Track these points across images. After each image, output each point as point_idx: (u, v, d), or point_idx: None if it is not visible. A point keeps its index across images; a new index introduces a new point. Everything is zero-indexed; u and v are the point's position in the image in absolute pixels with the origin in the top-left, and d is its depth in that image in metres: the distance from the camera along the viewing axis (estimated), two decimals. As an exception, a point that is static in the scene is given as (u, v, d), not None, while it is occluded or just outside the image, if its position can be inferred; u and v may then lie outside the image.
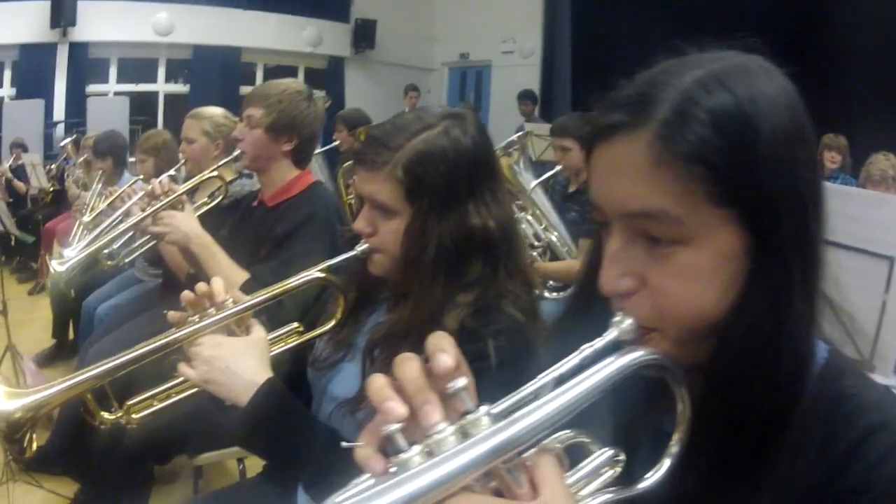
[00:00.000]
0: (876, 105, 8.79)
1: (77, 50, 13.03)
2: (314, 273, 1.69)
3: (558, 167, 4.06)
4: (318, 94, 2.71)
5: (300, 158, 2.74)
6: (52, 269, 2.61)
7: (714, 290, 0.83)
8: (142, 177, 4.21)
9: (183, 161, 3.53)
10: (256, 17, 14.18)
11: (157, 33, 13.50)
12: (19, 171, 8.55)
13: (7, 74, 12.97)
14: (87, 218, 4.01)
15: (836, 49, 9.28)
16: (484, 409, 0.71)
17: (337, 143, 6.04)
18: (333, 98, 15.03)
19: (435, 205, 1.52)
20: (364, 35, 15.26)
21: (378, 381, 0.72)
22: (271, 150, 2.64)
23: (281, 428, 1.53)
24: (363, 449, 0.71)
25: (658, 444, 0.86)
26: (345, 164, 5.07)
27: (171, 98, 14.27)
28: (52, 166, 8.35)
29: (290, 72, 15.22)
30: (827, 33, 9.54)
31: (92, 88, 13.45)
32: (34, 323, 5.93)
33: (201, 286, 1.65)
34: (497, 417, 0.71)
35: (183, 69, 14.23)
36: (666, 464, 0.85)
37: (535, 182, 3.76)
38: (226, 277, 1.98)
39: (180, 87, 14.27)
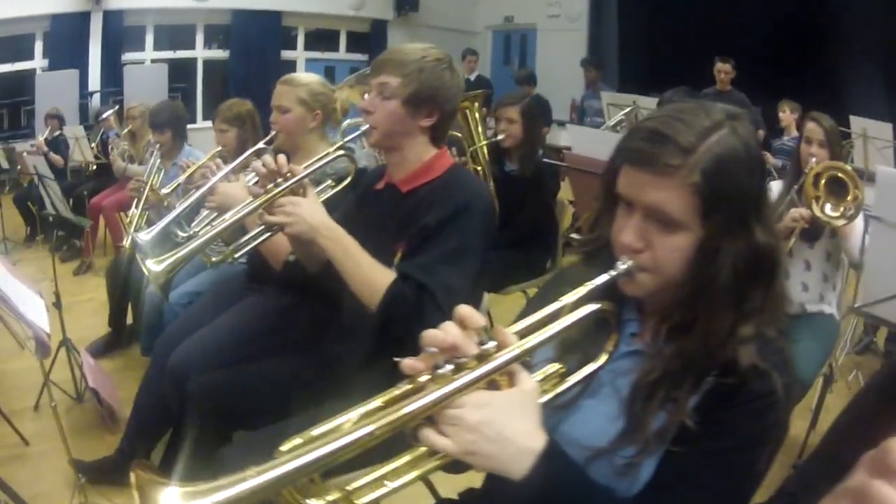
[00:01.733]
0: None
1: (112, 18, 12.65)
2: (591, 306, 1.40)
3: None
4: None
5: (438, 136, 2.40)
6: (148, 270, 2.22)
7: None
8: (221, 148, 4.00)
9: (273, 133, 3.15)
10: (296, -21, 13.79)
11: None
12: (55, 144, 8.08)
13: (39, 46, 12.63)
14: (166, 190, 4.00)
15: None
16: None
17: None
18: None
19: (730, 220, 1.33)
20: (406, -3, 14.87)
21: None
22: (408, 125, 2.29)
23: (567, 498, 1.25)
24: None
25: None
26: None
27: (209, 64, 13.94)
28: (94, 140, 7.85)
29: (333, 36, 15.02)
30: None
31: (128, 57, 13.09)
32: (83, 306, 5.50)
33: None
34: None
35: (221, 34, 13.84)
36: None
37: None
38: (365, 277, 2.09)
39: (219, 53, 13.89)
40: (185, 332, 3.12)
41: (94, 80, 12.68)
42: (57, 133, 8.19)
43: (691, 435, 1.28)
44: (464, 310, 1.23)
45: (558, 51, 14.16)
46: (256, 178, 2.62)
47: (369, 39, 15.10)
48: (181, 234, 2.96)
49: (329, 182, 2.50)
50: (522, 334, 1.23)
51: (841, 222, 3.29)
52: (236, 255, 2.39)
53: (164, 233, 2.70)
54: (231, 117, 4.11)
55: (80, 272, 6.70)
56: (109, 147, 6.84)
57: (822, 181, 3.48)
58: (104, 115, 7.70)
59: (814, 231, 3.47)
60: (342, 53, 15.22)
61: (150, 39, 13.41)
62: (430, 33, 15.17)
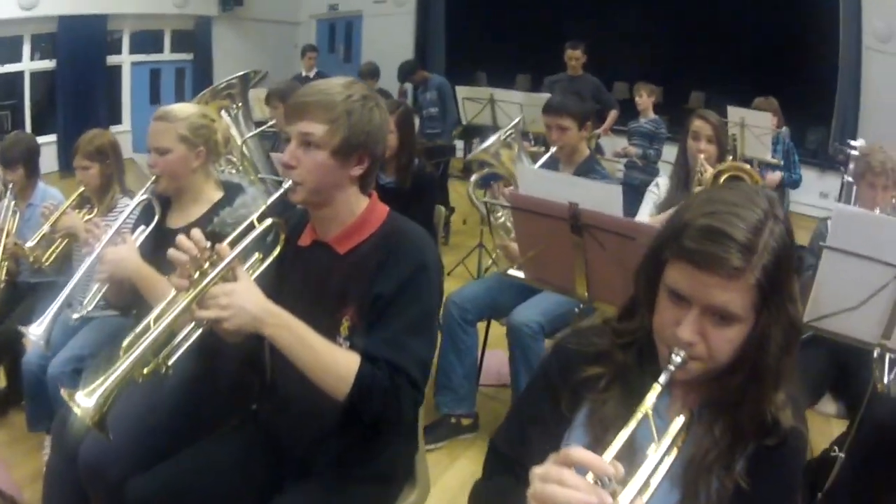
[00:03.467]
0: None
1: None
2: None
3: (554, 148, 4.02)
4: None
5: (368, 183, 2.17)
6: (79, 408, 1.68)
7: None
8: (83, 189, 3.72)
9: (153, 178, 2.80)
10: (119, -21, 13.27)
11: (21, 7, 12.43)
12: None
13: None
14: (30, 243, 3.62)
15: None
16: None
17: (273, 121, 5.34)
18: (202, 59, 14.82)
19: (778, 306, 1.40)
20: (232, -9, 14.55)
21: None
22: (338, 176, 2.05)
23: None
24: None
25: None
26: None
27: (37, 77, 13.27)
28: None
29: (157, 36, 14.58)
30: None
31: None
32: None
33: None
34: None
35: (47, 43, 13.25)
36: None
37: (534, 165, 3.79)
38: (326, 365, 1.90)
39: (47, 64, 13.29)
40: None
41: None
42: None
43: (746, 497, 1.42)
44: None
45: (386, 37, 14.27)
46: (144, 235, 2.69)
47: (194, 37, 14.77)
48: (74, 315, 2.84)
49: (257, 256, 2.05)
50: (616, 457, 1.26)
51: None
52: (168, 364, 1.88)
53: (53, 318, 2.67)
54: (92, 151, 3.67)
55: None
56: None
57: (722, 179, 3.51)
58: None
59: None
60: (167, 54, 14.79)
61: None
62: (255, 26, 15.23)
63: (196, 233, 1.87)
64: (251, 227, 1.96)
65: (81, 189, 3.65)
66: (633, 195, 4.55)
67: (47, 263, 3.71)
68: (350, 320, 2.01)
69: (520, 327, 3.61)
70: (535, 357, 3.52)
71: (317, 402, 1.95)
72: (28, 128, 12.81)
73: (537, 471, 1.21)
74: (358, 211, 2.12)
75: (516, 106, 6.66)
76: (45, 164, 4.31)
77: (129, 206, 2.90)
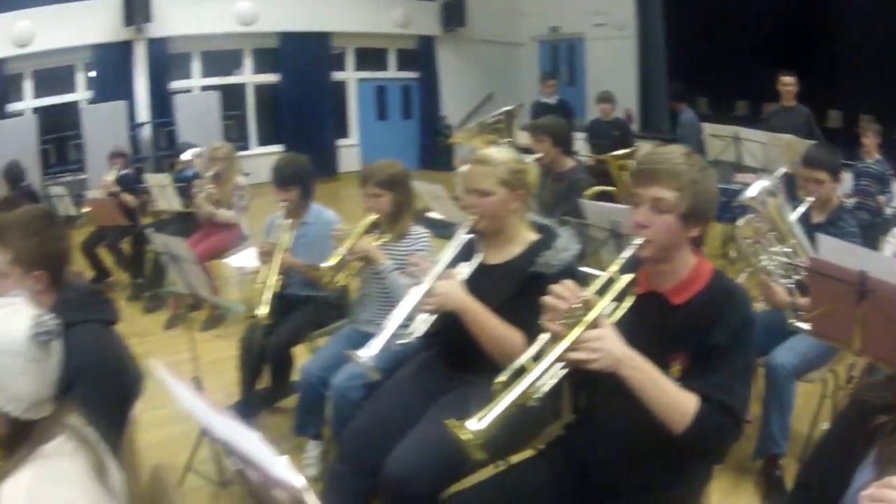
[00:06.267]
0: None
1: (156, 46, 12.46)
2: None
3: (810, 199, 4.08)
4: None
5: (697, 242, 2.36)
6: (470, 434, 1.98)
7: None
8: (375, 216, 3.74)
9: (475, 219, 2.90)
10: (343, 0, 13.65)
11: (241, 23, 12.92)
12: (123, 182, 7.69)
13: (80, 77, 12.42)
14: (329, 263, 3.65)
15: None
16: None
17: (540, 155, 5.09)
18: (428, 78, 14.96)
19: None
20: (454, 13, 14.74)
21: None
22: (680, 237, 2.25)
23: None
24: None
25: None
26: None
27: (261, 89, 13.76)
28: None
29: (381, 54, 14.90)
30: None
31: (175, 85, 12.85)
32: (182, 366, 5.06)
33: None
34: None
35: (270, 58, 13.66)
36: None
37: (794, 215, 3.86)
38: (670, 402, 2.08)
39: (269, 77, 13.70)
40: (385, 430, 2.86)
41: (142, 111, 12.45)
42: (125, 171, 7.81)
43: None
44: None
45: (609, 61, 13.94)
46: (468, 270, 2.84)
47: (418, 56, 15.03)
48: (398, 341, 2.84)
49: (614, 304, 2.25)
50: None
51: None
52: (535, 396, 2.06)
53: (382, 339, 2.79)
54: (385, 180, 3.77)
55: (172, 326, 6.24)
56: (193, 190, 6.41)
57: None
58: (187, 156, 7.31)
59: None
60: (392, 72, 15.13)
61: (197, 66, 13.22)
62: (476, 47, 15.21)
63: (570, 283, 2.13)
64: (611, 278, 2.22)
65: (375, 217, 3.75)
66: (860, 235, 4.32)
67: (338, 283, 3.88)
68: (681, 364, 2.19)
69: (777, 369, 3.66)
70: (787, 396, 3.66)
71: (633, 433, 2.19)
72: (253, 139, 13.55)
73: (865, 493, 1.43)
74: (690, 266, 2.30)
75: (759, 145, 6.91)
76: (268, 174, 4.42)
77: (454, 243, 2.95)
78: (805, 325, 3.41)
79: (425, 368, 3.12)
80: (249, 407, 4.32)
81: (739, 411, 2.14)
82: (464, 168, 5.07)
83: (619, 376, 2.06)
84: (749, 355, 2.25)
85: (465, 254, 2.94)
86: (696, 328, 2.19)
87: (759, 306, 3.72)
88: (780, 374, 3.64)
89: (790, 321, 3.50)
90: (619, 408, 2.15)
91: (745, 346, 2.20)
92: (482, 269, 2.88)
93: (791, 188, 4.78)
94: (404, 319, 2.80)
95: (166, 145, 12.32)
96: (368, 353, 2.78)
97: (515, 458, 2.71)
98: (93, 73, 12.29)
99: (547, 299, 2.10)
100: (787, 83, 7.80)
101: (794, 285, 3.57)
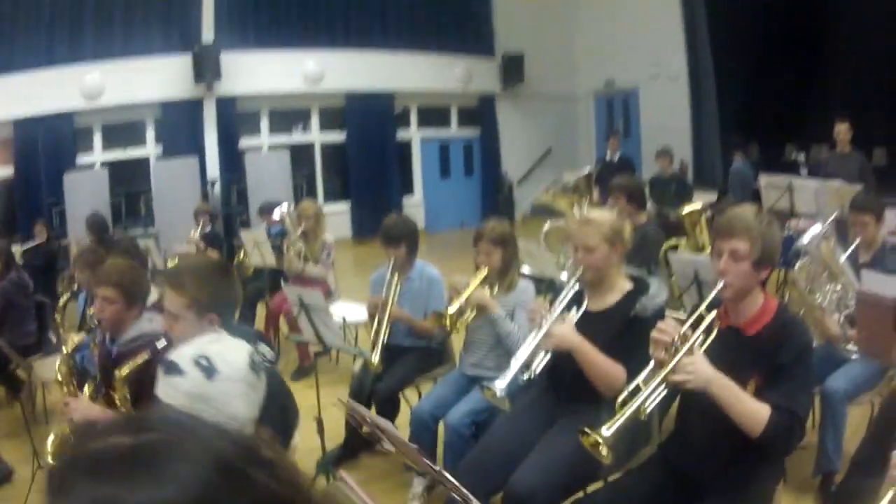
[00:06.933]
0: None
1: (224, 104, 12.83)
2: None
3: (858, 240, 4.53)
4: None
5: (765, 283, 2.88)
6: (604, 439, 2.54)
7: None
8: (486, 270, 4.03)
9: (580, 270, 3.31)
10: (406, 59, 13.96)
11: (308, 82, 13.28)
12: (208, 238, 7.96)
13: (150, 132, 12.80)
14: (451, 310, 3.93)
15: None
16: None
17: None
18: (488, 135, 15.20)
19: None
20: (513, 69, 14.99)
21: None
22: (752, 280, 2.72)
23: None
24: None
25: None
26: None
27: (327, 148, 14.08)
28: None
29: (443, 112, 15.14)
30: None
31: (244, 143, 13.23)
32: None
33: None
34: None
35: (336, 117, 14.01)
36: None
37: (843, 256, 4.28)
38: (747, 411, 2.51)
39: (336, 136, 14.05)
40: (503, 458, 3.22)
41: (213, 167, 12.77)
42: (208, 228, 8.09)
43: None
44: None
45: (662, 112, 14.10)
46: (577, 315, 3.20)
47: (479, 113, 15.23)
48: (523, 377, 3.22)
49: (699, 338, 2.67)
50: None
51: None
52: (644, 412, 2.60)
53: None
54: (496, 238, 4.08)
55: (300, 378, 6.12)
56: (284, 247, 6.61)
57: None
58: (278, 214, 7.53)
59: None
60: (454, 129, 15.37)
61: (265, 124, 13.57)
62: (535, 104, 15.41)
63: (671, 321, 2.65)
64: (701, 315, 2.68)
65: (486, 270, 4.03)
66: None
67: (457, 329, 4.14)
68: (756, 382, 2.62)
69: (832, 393, 3.98)
70: (840, 418, 3.99)
71: (718, 442, 2.65)
72: (320, 196, 13.66)
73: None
74: (760, 303, 2.77)
75: (811, 192, 7.15)
76: (339, 229, 4.83)
77: (566, 292, 3.29)
78: (854, 350, 3.92)
79: (534, 403, 3.46)
80: (354, 448, 4.62)
81: (803, 415, 2.60)
82: (547, 226, 5.73)
83: (708, 394, 2.50)
84: (809, 371, 2.71)
85: (573, 302, 3.31)
86: (766, 353, 2.64)
87: (814, 341, 4.00)
88: (834, 398, 3.99)
89: (842, 348, 3.96)
90: (706, 424, 2.64)
91: (805, 364, 2.65)
92: (587, 315, 3.26)
93: (841, 231, 5.14)
94: (524, 360, 3.16)
95: (237, 201, 12.67)
96: (502, 384, 3.09)
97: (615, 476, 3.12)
98: (161, 129, 12.70)
99: (654, 334, 2.60)
100: (842, 130, 8.06)
101: (844, 319, 3.97)
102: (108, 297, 3.25)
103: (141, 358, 2.80)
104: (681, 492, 2.83)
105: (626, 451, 3.15)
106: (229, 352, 1.95)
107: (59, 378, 3.77)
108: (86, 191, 11.24)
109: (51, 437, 3.27)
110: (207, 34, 12.49)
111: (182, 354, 1.89)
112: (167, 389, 1.86)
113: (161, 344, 2.76)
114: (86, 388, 3.36)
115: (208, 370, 1.84)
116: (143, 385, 3.02)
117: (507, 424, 3.46)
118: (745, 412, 2.52)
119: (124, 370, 2.79)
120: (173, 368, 1.84)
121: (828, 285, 4.08)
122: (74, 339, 4.47)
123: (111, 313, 3.27)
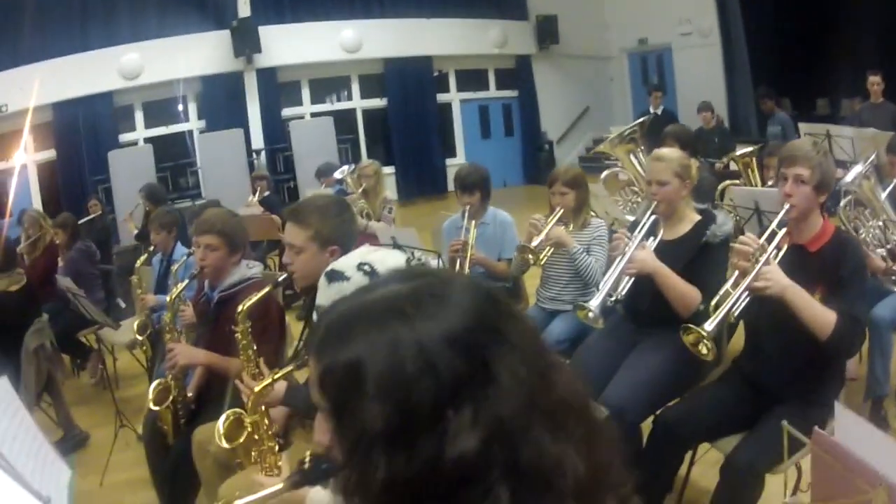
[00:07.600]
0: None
1: (265, 75, 13.08)
2: None
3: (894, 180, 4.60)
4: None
5: (824, 206, 3.12)
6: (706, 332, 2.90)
7: None
8: (561, 210, 4.26)
9: (654, 203, 3.55)
10: (441, 24, 14.10)
11: (346, 51, 13.47)
12: (267, 203, 8.16)
13: (193, 107, 13.12)
14: (532, 244, 4.14)
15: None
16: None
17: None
18: (526, 95, 15.28)
19: None
20: (547, 30, 15.12)
21: None
22: (814, 202, 2.98)
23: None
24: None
25: None
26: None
27: (368, 113, 14.30)
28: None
29: (481, 75, 15.27)
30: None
31: (287, 112, 13.45)
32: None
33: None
34: None
35: (376, 83, 14.22)
36: None
37: (884, 195, 4.34)
38: (817, 316, 2.75)
39: (377, 102, 14.26)
40: (591, 379, 3.39)
41: (257, 138, 13.03)
42: (266, 193, 8.30)
43: None
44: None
45: (695, 69, 14.22)
46: (654, 243, 3.45)
47: (516, 75, 15.37)
48: (609, 301, 3.48)
49: (773, 252, 2.96)
50: None
51: None
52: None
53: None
54: (570, 180, 4.35)
55: None
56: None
57: None
58: (340, 175, 7.71)
59: None
60: (492, 91, 15.49)
61: (306, 94, 13.80)
62: (570, 62, 15.56)
63: (751, 235, 2.94)
64: (774, 231, 2.97)
65: (560, 210, 4.25)
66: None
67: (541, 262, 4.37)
68: (820, 293, 2.87)
69: (879, 321, 4.17)
70: (887, 345, 4.21)
71: (789, 353, 2.93)
72: (364, 159, 13.46)
73: None
74: (820, 224, 3.05)
75: (848, 139, 7.27)
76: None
77: (643, 223, 3.52)
78: None
79: (615, 329, 3.67)
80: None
81: (863, 319, 2.95)
82: (605, 174, 5.96)
83: (783, 300, 2.75)
84: (864, 283, 3.01)
85: (649, 231, 3.57)
86: (828, 267, 2.93)
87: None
88: (881, 326, 4.21)
89: (887, 280, 4.13)
90: (779, 336, 2.93)
91: (862, 277, 2.99)
92: (662, 243, 3.51)
93: (879, 174, 5.09)
94: (610, 286, 3.42)
95: (283, 169, 12.95)
96: (595, 302, 3.38)
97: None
98: (204, 103, 13.00)
99: (736, 245, 2.90)
100: (875, 82, 8.33)
101: (886, 253, 4.16)
102: (211, 244, 3.39)
103: (263, 291, 2.86)
104: (755, 401, 3.08)
105: (698, 372, 3.42)
106: (389, 257, 2.13)
107: (138, 336, 4.39)
108: (131, 167, 11.53)
109: (153, 385, 3.41)
110: (244, 9, 12.71)
111: (345, 263, 2.08)
112: (331, 294, 2.04)
113: (281, 277, 2.91)
114: (182, 338, 3.57)
115: (371, 274, 2.02)
116: (266, 316, 3.27)
117: (590, 351, 3.71)
118: (815, 316, 2.77)
119: (246, 303, 2.82)
120: (337, 276, 2.03)
121: (870, 221, 4.27)
122: (150, 299, 4.76)
123: (214, 259, 3.40)
